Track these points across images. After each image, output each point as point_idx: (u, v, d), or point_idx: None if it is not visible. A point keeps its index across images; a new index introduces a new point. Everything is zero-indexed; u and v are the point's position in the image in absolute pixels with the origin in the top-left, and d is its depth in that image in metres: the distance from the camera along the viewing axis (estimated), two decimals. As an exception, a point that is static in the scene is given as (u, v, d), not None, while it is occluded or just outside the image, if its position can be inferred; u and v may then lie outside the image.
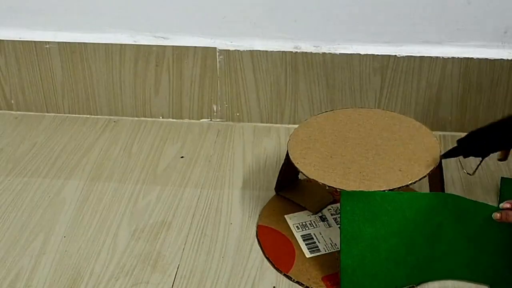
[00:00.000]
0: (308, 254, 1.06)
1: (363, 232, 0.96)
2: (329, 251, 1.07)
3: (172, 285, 1.01)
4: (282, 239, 1.09)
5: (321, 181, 0.99)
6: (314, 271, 1.03)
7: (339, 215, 1.14)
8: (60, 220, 1.14)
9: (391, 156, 1.04)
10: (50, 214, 1.16)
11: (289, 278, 1.02)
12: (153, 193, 1.21)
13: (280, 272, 1.03)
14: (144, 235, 1.11)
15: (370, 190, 0.97)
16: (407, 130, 1.11)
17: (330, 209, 1.16)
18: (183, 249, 1.08)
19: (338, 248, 1.07)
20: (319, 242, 1.08)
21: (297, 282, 1.01)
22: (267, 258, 1.05)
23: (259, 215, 1.14)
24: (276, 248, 1.07)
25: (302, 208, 1.15)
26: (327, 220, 1.13)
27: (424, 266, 1.00)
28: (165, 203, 1.18)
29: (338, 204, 1.15)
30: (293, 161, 1.03)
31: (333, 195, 1.18)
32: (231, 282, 1.02)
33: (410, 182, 0.99)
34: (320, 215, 1.15)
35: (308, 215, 1.14)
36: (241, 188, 1.21)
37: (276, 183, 1.18)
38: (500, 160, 1.05)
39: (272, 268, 1.04)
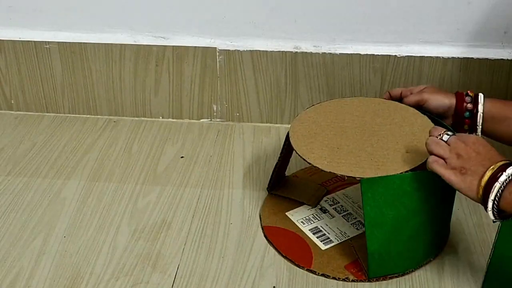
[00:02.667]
0: (323, 247, 1.07)
1: (385, 216, 0.98)
2: (342, 240, 1.09)
3: (172, 285, 1.01)
4: (292, 236, 1.10)
5: (339, 172, 1.00)
6: (335, 262, 1.04)
7: (337, 204, 1.16)
8: (60, 220, 1.14)
9: (393, 139, 1.07)
10: (50, 214, 1.16)
11: (313, 272, 1.03)
12: (153, 193, 1.21)
13: (302, 268, 1.04)
14: (144, 235, 1.11)
15: (388, 175, 0.98)
16: (397, 113, 1.13)
17: (327, 200, 1.17)
18: (183, 249, 1.08)
19: (348, 236, 1.09)
20: (329, 233, 1.10)
21: (322, 275, 1.02)
22: (285, 257, 1.06)
23: (260, 216, 1.14)
24: (290, 245, 1.08)
25: (300, 204, 1.16)
26: (328, 211, 1.15)
27: (439, 240, 1.05)
28: (165, 203, 1.18)
29: (334, 195, 1.18)
30: (303, 157, 1.04)
31: (325, 186, 1.19)
32: (231, 282, 1.02)
33: (421, 162, 1.00)
34: (320, 207, 1.16)
35: (308, 209, 1.15)
36: (241, 188, 1.21)
37: (269, 182, 1.18)
38: None
39: (272, 267, 1.04)
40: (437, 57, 1.30)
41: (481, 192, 0.90)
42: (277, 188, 1.19)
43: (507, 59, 1.28)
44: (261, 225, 1.12)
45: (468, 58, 1.29)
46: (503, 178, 0.88)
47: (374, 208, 0.98)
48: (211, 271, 1.03)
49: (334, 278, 1.02)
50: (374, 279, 1.01)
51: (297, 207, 1.15)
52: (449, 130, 0.99)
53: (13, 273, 1.04)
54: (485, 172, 0.90)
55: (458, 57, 1.30)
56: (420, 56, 1.31)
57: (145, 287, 1.01)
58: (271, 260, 1.05)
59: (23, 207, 1.17)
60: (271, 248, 1.08)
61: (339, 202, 1.17)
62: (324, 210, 1.15)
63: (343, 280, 1.01)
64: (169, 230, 1.12)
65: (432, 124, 1.09)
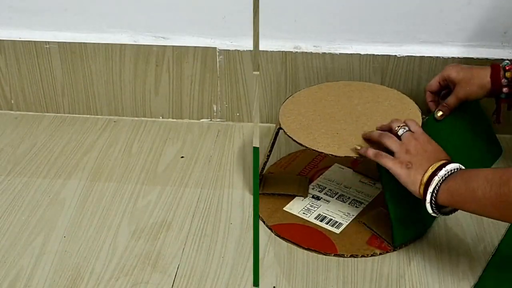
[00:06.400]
0: (336, 231, 1.10)
1: (402, 186, 1.01)
2: (350, 221, 1.11)
3: (172, 285, 1.01)
4: (303, 228, 1.11)
5: (355, 156, 1.04)
6: (356, 241, 1.07)
7: (325, 189, 1.19)
8: (60, 220, 1.14)
9: (380, 116, 1.12)
10: (50, 214, 1.16)
11: (342, 256, 1.05)
12: (153, 193, 1.21)
13: (329, 254, 1.06)
14: (144, 235, 1.11)
15: None
16: (367, 92, 1.19)
17: (314, 188, 1.19)
18: (183, 249, 1.08)
19: (353, 216, 1.12)
20: (334, 217, 1.12)
21: (351, 256, 1.05)
22: (309, 249, 1.07)
23: (262, 218, 1.13)
24: (307, 238, 1.09)
25: (290, 197, 1.17)
26: (322, 198, 1.17)
27: None
28: (165, 203, 1.18)
29: (317, 181, 1.21)
30: (313, 148, 1.06)
31: (303, 175, 1.22)
32: (231, 282, 1.02)
33: None
34: (311, 196, 1.17)
35: (302, 200, 1.16)
36: (241, 188, 1.21)
37: (260, 182, 1.18)
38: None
39: (272, 267, 1.04)
40: (437, 57, 1.30)
41: (422, 186, 0.96)
42: (261, 188, 1.19)
43: (507, 59, 1.28)
44: (267, 226, 1.12)
45: (468, 58, 1.29)
46: (442, 173, 0.95)
47: (390, 181, 1.01)
48: (211, 271, 1.04)
49: (363, 256, 1.05)
50: (398, 247, 1.06)
51: (290, 200, 1.16)
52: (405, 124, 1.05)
53: (13, 273, 1.04)
54: (428, 168, 0.97)
55: (458, 57, 1.30)
56: (420, 56, 1.31)
57: (145, 287, 1.01)
58: (271, 260, 1.05)
59: (23, 207, 1.17)
60: (271, 248, 1.08)
61: (326, 187, 1.19)
62: (317, 198, 1.17)
63: (372, 255, 1.05)
64: (169, 230, 1.12)
65: (406, 97, 1.16)
